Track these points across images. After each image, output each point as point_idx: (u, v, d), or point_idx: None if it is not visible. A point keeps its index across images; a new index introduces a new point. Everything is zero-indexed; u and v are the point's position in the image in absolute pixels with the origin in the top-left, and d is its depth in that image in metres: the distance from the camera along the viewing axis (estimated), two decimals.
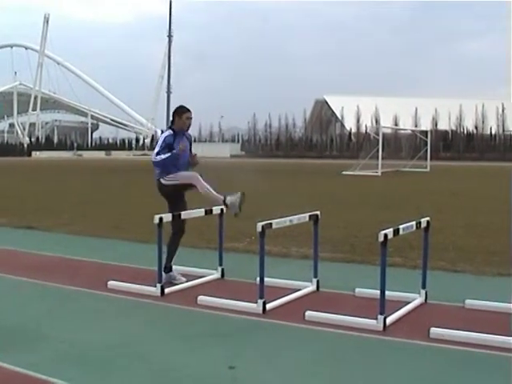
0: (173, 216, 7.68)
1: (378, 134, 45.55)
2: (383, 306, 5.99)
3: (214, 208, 8.09)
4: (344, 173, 39.49)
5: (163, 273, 7.69)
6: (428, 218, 6.92)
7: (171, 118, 8.12)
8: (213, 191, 7.66)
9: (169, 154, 7.75)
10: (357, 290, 7.27)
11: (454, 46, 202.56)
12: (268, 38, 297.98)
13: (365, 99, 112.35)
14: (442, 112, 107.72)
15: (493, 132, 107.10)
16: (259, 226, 6.50)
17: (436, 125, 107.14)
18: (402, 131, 74.40)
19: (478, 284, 8.02)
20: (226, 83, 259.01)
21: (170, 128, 8.05)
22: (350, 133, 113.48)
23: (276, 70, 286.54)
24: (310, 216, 7.43)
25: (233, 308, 6.68)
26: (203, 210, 8.05)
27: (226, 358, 5.24)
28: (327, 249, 9.76)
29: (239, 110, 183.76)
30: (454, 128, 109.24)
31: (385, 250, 5.99)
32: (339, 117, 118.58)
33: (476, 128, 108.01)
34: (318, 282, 7.56)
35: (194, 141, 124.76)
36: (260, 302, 6.58)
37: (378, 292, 6.05)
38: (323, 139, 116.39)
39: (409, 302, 6.79)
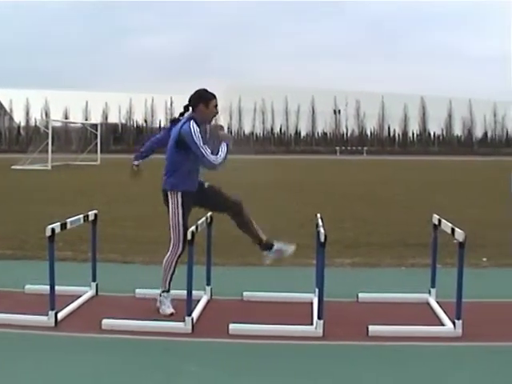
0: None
1: (47, 128, 45.36)
2: (53, 302, 5.91)
3: None
4: (13, 167, 38.34)
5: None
6: (96, 211, 6.97)
7: (188, 105, 6.26)
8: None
9: (225, 148, 6.14)
10: (26, 286, 7.08)
11: (125, 42, 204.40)
12: None
13: (34, 92, 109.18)
14: (113, 105, 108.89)
15: (162, 125, 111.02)
16: None
17: (106, 118, 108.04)
18: (73, 124, 73.94)
19: (148, 273, 8.28)
20: None
21: (191, 118, 6.15)
22: (18, 126, 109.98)
23: None
24: None
25: None
26: None
27: None
28: None
29: None
30: (124, 121, 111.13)
31: (53, 245, 5.93)
32: (8, 110, 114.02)
33: (146, 121, 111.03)
34: None
35: None
36: None
37: (48, 287, 5.97)
38: None
39: (80, 296, 6.80)
